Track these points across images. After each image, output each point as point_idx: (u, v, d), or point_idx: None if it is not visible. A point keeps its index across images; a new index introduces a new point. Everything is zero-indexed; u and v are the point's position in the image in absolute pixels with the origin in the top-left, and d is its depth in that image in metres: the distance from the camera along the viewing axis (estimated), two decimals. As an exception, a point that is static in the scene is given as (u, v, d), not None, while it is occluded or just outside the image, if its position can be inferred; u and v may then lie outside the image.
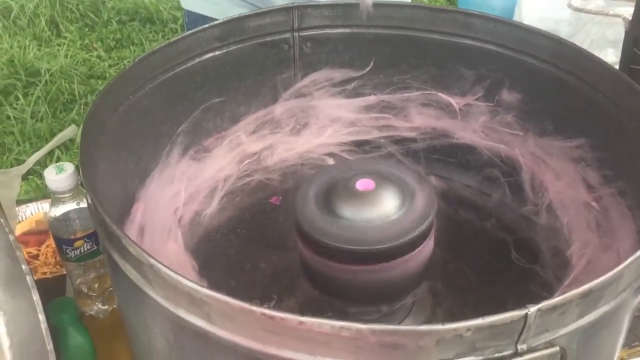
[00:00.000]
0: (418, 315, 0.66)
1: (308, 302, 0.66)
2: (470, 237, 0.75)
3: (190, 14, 1.00)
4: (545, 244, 0.72)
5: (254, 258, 0.73)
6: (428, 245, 0.60)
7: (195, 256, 0.74)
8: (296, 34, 0.77)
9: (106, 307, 0.71)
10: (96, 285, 0.70)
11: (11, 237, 0.51)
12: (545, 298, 0.39)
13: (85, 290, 0.69)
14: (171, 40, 0.68)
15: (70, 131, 0.68)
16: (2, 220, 0.51)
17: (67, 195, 0.62)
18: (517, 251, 0.73)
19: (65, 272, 0.80)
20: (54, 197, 0.63)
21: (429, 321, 0.66)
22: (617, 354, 0.53)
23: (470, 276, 0.71)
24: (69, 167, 0.62)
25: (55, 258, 0.89)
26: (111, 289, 0.70)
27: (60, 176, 0.61)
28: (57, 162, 1.48)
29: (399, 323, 0.64)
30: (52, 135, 1.61)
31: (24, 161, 1.52)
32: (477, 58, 0.74)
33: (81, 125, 0.54)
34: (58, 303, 0.57)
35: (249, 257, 0.74)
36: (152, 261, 0.42)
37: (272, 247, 0.75)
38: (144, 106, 0.67)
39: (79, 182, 0.63)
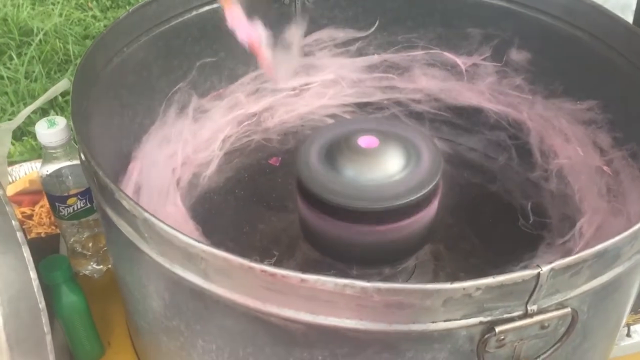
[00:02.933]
0: (420, 278, 0.65)
1: (308, 263, 0.65)
2: (475, 201, 0.73)
3: None
4: (553, 209, 0.70)
5: (252, 219, 0.72)
6: (432, 207, 0.59)
7: (192, 217, 0.72)
8: (298, -13, 0.74)
9: (101, 266, 0.69)
10: (90, 245, 0.68)
11: (0, 192, 0.49)
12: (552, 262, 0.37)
13: (79, 250, 0.67)
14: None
15: (63, 85, 0.65)
16: (-10, 175, 0.49)
17: (59, 150, 0.60)
18: (523, 216, 0.72)
19: (59, 232, 0.78)
20: (45, 153, 0.60)
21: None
22: (624, 319, 0.52)
23: (473, 240, 0.69)
24: (61, 121, 0.59)
25: (49, 218, 0.87)
26: (105, 248, 0.69)
27: (51, 130, 0.59)
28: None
29: (401, 286, 0.63)
30: (47, 96, 1.58)
31: (18, 122, 1.49)
32: (486, 15, 0.71)
33: (74, 76, 0.52)
34: (51, 260, 0.55)
35: (247, 219, 0.72)
36: (147, 215, 0.40)
37: (271, 209, 0.74)
38: (139, 59, 0.64)
39: (72, 137, 0.61)
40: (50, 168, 0.61)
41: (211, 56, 0.72)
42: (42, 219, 0.87)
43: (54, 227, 0.87)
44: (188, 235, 0.39)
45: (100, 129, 0.57)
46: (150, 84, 0.67)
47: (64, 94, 1.58)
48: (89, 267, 0.69)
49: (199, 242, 0.38)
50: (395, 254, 0.60)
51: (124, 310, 0.61)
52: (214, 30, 0.70)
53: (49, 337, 0.48)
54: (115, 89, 0.61)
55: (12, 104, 1.55)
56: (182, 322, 0.45)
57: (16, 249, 0.48)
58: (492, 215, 0.72)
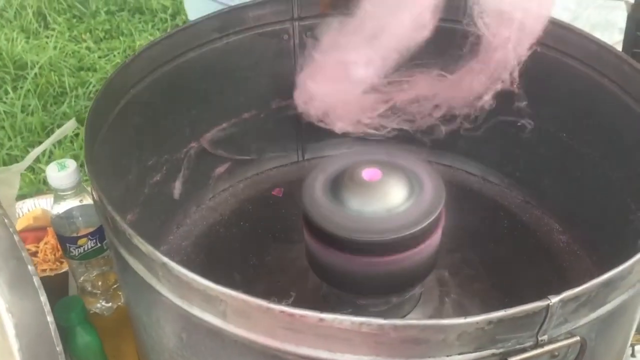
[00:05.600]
0: (426, 305, 0.66)
1: (316, 295, 0.66)
2: (476, 226, 0.74)
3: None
4: (551, 233, 0.72)
5: (258, 251, 0.73)
6: (436, 236, 0.60)
7: (199, 249, 0.74)
8: (296, 23, 0.75)
9: (110, 304, 0.70)
10: (99, 283, 0.69)
11: (16, 238, 0.50)
12: (555, 286, 0.39)
13: (89, 288, 0.68)
14: (171, 31, 0.67)
15: (70, 125, 0.66)
16: (6, 220, 0.50)
17: (69, 192, 0.61)
18: (523, 240, 0.73)
19: (66, 270, 0.79)
20: (56, 195, 0.62)
21: (437, 311, 0.66)
22: (630, 341, 0.54)
23: (477, 264, 0.71)
24: (71, 164, 0.61)
25: (54, 255, 0.87)
26: (115, 286, 0.70)
27: (62, 173, 0.60)
28: (50, 156, 1.46)
29: (408, 313, 0.64)
30: (44, 129, 1.59)
31: (16, 156, 1.50)
32: (476, 44, 0.73)
33: (85, 121, 0.53)
34: (65, 302, 0.56)
35: (253, 250, 0.73)
36: (165, 260, 0.41)
37: (276, 240, 0.75)
38: (145, 100, 0.65)
39: (81, 179, 0.62)
40: (61, 209, 0.62)
41: (215, 94, 0.73)
42: (47, 255, 0.88)
43: (58, 264, 0.87)
44: (207, 279, 0.40)
45: (108, 170, 0.58)
46: (156, 122, 0.68)
47: (61, 127, 1.60)
48: (99, 305, 0.69)
49: (218, 284, 0.40)
50: (401, 283, 0.62)
51: (138, 348, 0.62)
52: (217, 67, 0.72)
53: (66, 380, 0.49)
54: (123, 130, 0.62)
55: (9, 138, 1.56)
56: (199, 361, 0.46)
57: (33, 294, 0.48)
58: (493, 240, 0.73)
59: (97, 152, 0.55)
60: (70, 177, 0.60)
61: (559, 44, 0.68)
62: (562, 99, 0.69)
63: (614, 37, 1.03)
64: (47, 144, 0.66)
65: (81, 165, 0.63)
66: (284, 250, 0.73)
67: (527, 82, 0.71)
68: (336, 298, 0.63)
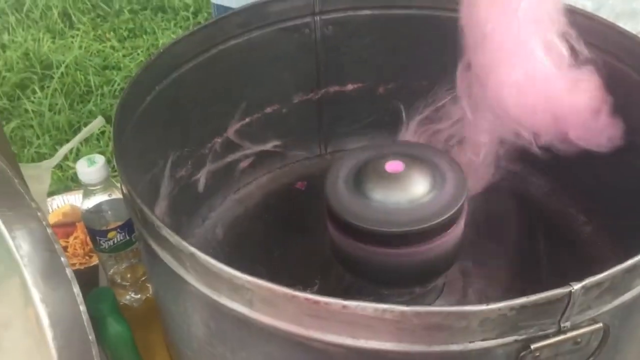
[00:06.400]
0: (449, 296, 0.67)
1: (339, 285, 0.67)
2: (499, 217, 0.74)
3: (218, 7, 1.00)
4: (575, 224, 0.72)
5: (282, 244, 0.74)
6: (459, 227, 0.60)
7: (224, 242, 0.75)
8: (317, 17, 0.76)
9: (139, 296, 0.72)
10: (128, 275, 0.70)
11: (49, 230, 0.51)
12: (579, 277, 0.39)
13: (119, 281, 0.70)
14: (195, 28, 0.68)
15: (98, 122, 0.68)
16: (39, 214, 0.52)
17: (98, 187, 0.63)
18: (547, 230, 0.73)
19: (95, 264, 0.81)
20: (86, 190, 0.63)
21: (461, 302, 0.66)
22: (653, 329, 0.53)
23: (500, 256, 0.71)
24: (100, 160, 0.62)
25: (83, 249, 0.89)
26: (143, 278, 0.71)
27: (92, 168, 0.61)
28: (77, 154, 1.49)
29: (432, 304, 0.65)
30: (71, 127, 1.62)
31: (44, 154, 1.53)
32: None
33: (113, 117, 0.55)
34: (97, 293, 0.58)
35: (276, 243, 0.74)
36: (193, 250, 0.43)
37: (300, 233, 0.76)
38: (170, 95, 0.67)
39: (110, 174, 0.64)
40: (90, 203, 0.64)
41: (238, 89, 0.74)
42: (77, 250, 0.90)
43: (87, 258, 0.89)
44: (233, 267, 0.41)
45: (136, 165, 0.60)
46: (181, 118, 0.70)
47: (88, 124, 1.63)
48: (128, 297, 0.71)
49: (244, 274, 0.41)
50: (424, 274, 0.62)
51: (167, 338, 0.63)
52: (239, 62, 0.73)
53: (99, 368, 0.50)
54: (149, 126, 0.64)
55: (37, 137, 1.60)
56: (227, 349, 0.47)
57: (66, 285, 0.50)
58: (516, 230, 0.73)
59: (124, 147, 0.57)
60: (99, 172, 0.62)
61: (583, 34, 0.67)
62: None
63: (639, 26, 1.02)
64: (75, 141, 0.68)
65: (108, 161, 0.64)
66: (308, 242, 0.73)
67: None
68: (359, 289, 0.64)
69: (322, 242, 0.70)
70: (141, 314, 0.70)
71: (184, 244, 0.43)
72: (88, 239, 0.87)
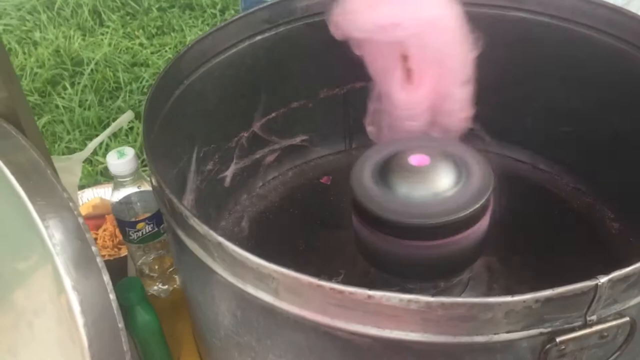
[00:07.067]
0: (474, 291, 0.66)
1: (364, 280, 0.67)
2: (526, 213, 0.74)
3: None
4: (603, 221, 0.71)
5: (307, 237, 0.74)
6: (484, 221, 0.60)
7: (249, 236, 0.76)
8: (343, 13, 0.76)
9: (166, 287, 0.73)
10: (156, 266, 0.72)
11: (80, 220, 0.52)
12: (604, 272, 0.39)
13: (147, 271, 0.71)
14: (222, 24, 0.69)
15: (127, 117, 0.69)
16: (71, 204, 0.53)
17: (128, 179, 0.64)
18: (574, 227, 0.73)
19: (124, 255, 0.82)
20: (116, 181, 0.65)
21: (485, 297, 0.66)
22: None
23: (527, 252, 0.70)
24: (130, 152, 0.63)
25: (112, 241, 0.91)
26: (171, 269, 0.72)
27: (121, 160, 0.63)
28: (106, 148, 1.51)
29: (456, 299, 0.64)
30: (100, 122, 1.65)
31: (74, 149, 1.56)
32: (529, 30, 0.73)
33: (143, 110, 0.56)
34: (125, 283, 0.59)
35: (302, 237, 0.75)
36: (220, 239, 0.43)
37: (325, 227, 0.76)
38: (198, 90, 0.68)
39: (139, 166, 0.65)
40: (120, 195, 0.65)
41: (264, 84, 0.75)
42: (106, 242, 0.92)
43: (116, 250, 0.91)
44: (260, 257, 0.42)
45: (164, 158, 0.61)
46: (207, 112, 0.71)
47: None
48: (156, 288, 0.72)
49: (270, 263, 0.41)
50: (449, 268, 0.62)
51: (194, 327, 0.64)
52: (266, 58, 0.74)
53: (128, 356, 0.51)
54: (176, 119, 0.65)
55: (68, 132, 1.63)
56: (253, 337, 0.48)
57: (97, 273, 0.51)
58: (543, 227, 0.73)
59: (154, 140, 0.58)
60: (129, 164, 0.63)
61: (612, 28, 0.67)
62: (614, 83, 0.68)
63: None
64: (106, 134, 0.69)
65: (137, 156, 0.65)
66: (332, 236, 0.74)
67: (579, 66, 0.71)
68: (384, 283, 0.64)
69: (347, 237, 0.70)
70: (168, 305, 0.71)
71: (212, 233, 0.44)
72: (117, 231, 0.89)
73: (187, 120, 0.67)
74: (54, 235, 0.50)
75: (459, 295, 0.66)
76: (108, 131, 0.69)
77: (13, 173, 0.52)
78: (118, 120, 0.68)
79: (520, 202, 0.75)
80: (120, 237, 0.88)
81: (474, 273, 0.67)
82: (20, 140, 0.56)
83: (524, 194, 0.77)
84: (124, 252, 0.86)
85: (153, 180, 0.53)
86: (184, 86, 0.66)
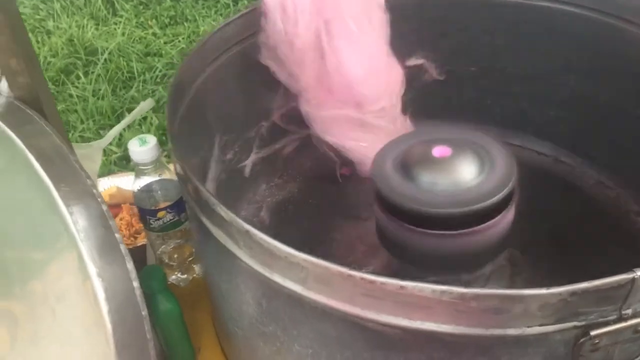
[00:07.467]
0: (496, 284, 0.66)
1: (387, 271, 0.66)
2: (549, 207, 0.73)
3: None
4: (627, 215, 0.70)
5: (327, 228, 0.74)
6: (509, 214, 0.59)
7: (269, 226, 0.75)
8: (365, 1, 0.75)
9: (185, 276, 0.73)
10: (176, 255, 0.71)
11: (104, 207, 0.52)
12: (630, 267, 0.38)
13: (166, 260, 0.71)
14: (243, 11, 0.69)
15: (148, 104, 0.69)
16: (95, 191, 0.52)
17: (149, 167, 0.64)
18: (598, 221, 0.72)
19: (142, 244, 0.82)
20: (137, 170, 0.64)
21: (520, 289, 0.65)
22: None
23: (549, 246, 0.70)
24: (152, 139, 0.63)
25: (129, 231, 0.91)
26: (190, 259, 0.72)
27: (143, 148, 0.62)
28: (120, 139, 1.51)
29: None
30: (114, 112, 1.64)
31: (88, 138, 1.56)
32: (556, 20, 0.72)
33: (167, 98, 0.55)
34: (147, 271, 0.59)
35: (322, 228, 0.74)
36: (248, 227, 0.43)
37: (345, 217, 0.76)
38: (219, 78, 0.67)
39: (160, 154, 0.65)
40: (141, 183, 0.65)
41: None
42: (122, 231, 0.91)
43: (133, 239, 0.91)
44: (288, 245, 0.41)
45: (186, 146, 0.60)
46: (229, 100, 0.70)
47: (130, 110, 1.65)
48: (174, 277, 0.72)
49: (299, 251, 0.41)
50: (473, 260, 0.61)
51: (215, 316, 0.64)
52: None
53: (151, 344, 0.51)
54: (198, 108, 0.64)
55: (81, 121, 1.62)
56: (278, 327, 0.48)
57: (120, 261, 0.51)
58: (567, 221, 0.72)
59: (178, 127, 0.57)
60: (151, 152, 0.63)
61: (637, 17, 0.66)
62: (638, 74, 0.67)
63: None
64: (126, 122, 0.69)
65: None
66: (353, 227, 0.74)
67: (606, 57, 0.70)
68: (407, 274, 0.64)
69: (368, 228, 0.70)
70: (187, 294, 0.71)
71: (239, 221, 0.43)
72: (134, 220, 0.89)
73: (208, 109, 0.67)
74: (78, 222, 0.50)
75: (482, 287, 0.65)
76: (128, 119, 0.68)
77: (37, 159, 0.52)
78: (138, 108, 0.68)
79: (542, 195, 0.74)
80: (136, 226, 0.87)
81: (497, 266, 0.66)
82: (43, 126, 0.56)
83: (546, 187, 0.76)
84: (140, 241, 0.85)
85: (178, 167, 0.53)
86: (206, 74, 0.65)
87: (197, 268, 0.73)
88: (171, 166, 0.66)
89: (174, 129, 0.54)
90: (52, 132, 0.56)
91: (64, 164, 0.53)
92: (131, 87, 1.74)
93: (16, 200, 0.53)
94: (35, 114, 0.57)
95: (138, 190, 0.65)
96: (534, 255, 0.69)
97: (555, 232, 0.71)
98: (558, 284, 0.37)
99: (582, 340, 0.39)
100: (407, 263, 0.62)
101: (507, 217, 0.59)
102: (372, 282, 0.39)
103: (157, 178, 0.65)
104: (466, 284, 0.63)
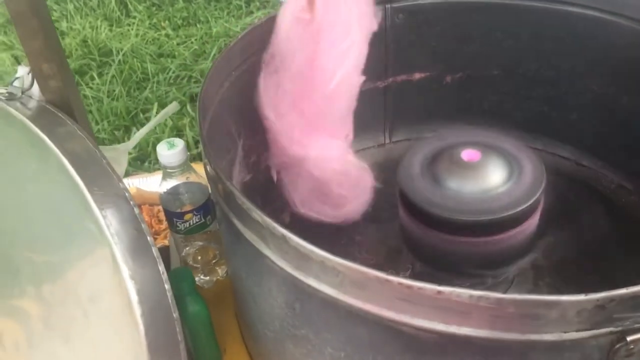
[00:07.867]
0: (520, 287, 0.66)
1: (409, 274, 0.67)
2: (570, 211, 0.73)
3: None
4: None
5: (348, 231, 0.74)
6: (534, 219, 0.60)
7: (293, 229, 0.75)
8: (388, 5, 0.76)
9: (209, 278, 0.73)
10: (199, 258, 0.72)
11: (136, 210, 0.53)
12: None
13: (190, 262, 0.72)
14: (270, 15, 0.69)
15: (172, 108, 0.69)
16: (127, 194, 0.53)
17: (176, 170, 0.64)
18: (619, 225, 0.72)
19: (163, 245, 0.82)
20: (164, 172, 0.65)
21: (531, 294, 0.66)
22: None
23: (571, 250, 0.70)
24: (180, 143, 0.64)
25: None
26: (214, 260, 0.73)
27: (172, 151, 0.63)
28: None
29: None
30: (128, 113, 1.65)
31: (103, 139, 1.57)
32: (578, 25, 0.72)
33: (198, 101, 0.56)
34: (176, 273, 0.59)
35: (343, 230, 0.74)
36: (284, 231, 0.43)
37: (366, 220, 0.75)
38: (244, 81, 0.68)
39: (187, 157, 0.65)
40: (168, 185, 0.65)
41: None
42: (142, 232, 0.92)
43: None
44: (324, 249, 0.42)
45: (215, 147, 0.61)
46: (253, 106, 0.70)
47: (144, 111, 1.66)
48: (198, 279, 0.73)
49: (335, 256, 0.41)
50: (497, 264, 0.62)
51: (242, 318, 0.64)
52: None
53: (182, 345, 0.52)
54: (223, 111, 0.65)
55: (96, 122, 1.63)
56: (311, 330, 0.48)
57: (152, 263, 0.51)
58: (589, 225, 0.72)
59: (209, 129, 0.58)
60: (179, 155, 0.63)
61: None
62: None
63: None
64: (151, 125, 0.70)
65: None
66: (374, 229, 0.74)
67: (628, 62, 0.70)
68: (429, 277, 0.64)
69: (389, 230, 0.70)
70: (211, 296, 0.71)
71: (275, 225, 0.44)
72: (153, 221, 0.90)
73: (234, 111, 0.67)
74: (111, 225, 0.50)
75: (504, 292, 0.65)
76: (153, 122, 0.69)
77: (70, 162, 0.52)
78: (164, 111, 0.68)
79: (564, 199, 0.75)
80: (156, 227, 0.88)
81: (520, 270, 0.66)
82: (75, 129, 0.57)
83: (568, 191, 0.76)
84: (159, 242, 0.86)
85: (209, 169, 0.53)
86: (233, 77, 0.66)
87: (220, 270, 0.73)
88: (197, 169, 0.66)
89: (205, 132, 0.55)
90: (84, 135, 0.56)
91: (97, 167, 0.54)
92: (145, 88, 1.75)
93: (50, 203, 0.54)
94: (68, 118, 0.57)
95: (165, 192, 0.66)
96: (557, 259, 0.69)
97: (576, 236, 0.71)
98: (578, 289, 0.38)
99: (617, 345, 0.39)
100: (432, 266, 0.63)
101: (532, 223, 0.59)
102: (409, 287, 0.39)
103: (183, 181, 0.65)
104: (489, 288, 0.64)
